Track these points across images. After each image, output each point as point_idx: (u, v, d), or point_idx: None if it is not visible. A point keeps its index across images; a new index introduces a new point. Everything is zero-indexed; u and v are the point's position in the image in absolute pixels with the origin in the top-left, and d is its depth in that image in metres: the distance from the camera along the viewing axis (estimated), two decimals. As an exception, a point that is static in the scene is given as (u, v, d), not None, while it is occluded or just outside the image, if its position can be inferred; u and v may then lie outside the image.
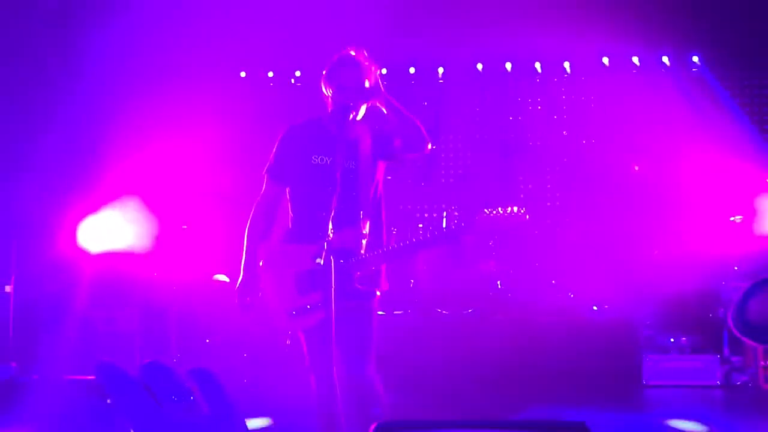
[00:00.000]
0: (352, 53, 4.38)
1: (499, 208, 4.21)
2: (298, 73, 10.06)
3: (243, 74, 10.03)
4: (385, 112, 4.40)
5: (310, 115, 4.68)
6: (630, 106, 9.74)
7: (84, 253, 7.66)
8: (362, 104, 4.34)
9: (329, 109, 4.43)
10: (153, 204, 8.14)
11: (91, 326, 7.33)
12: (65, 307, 7.21)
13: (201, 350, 7.77)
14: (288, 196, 4.48)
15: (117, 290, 7.62)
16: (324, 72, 4.46)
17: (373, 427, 1.27)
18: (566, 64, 10.03)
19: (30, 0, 7.97)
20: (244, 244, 4.42)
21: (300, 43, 9.12)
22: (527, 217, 4.21)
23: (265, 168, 4.49)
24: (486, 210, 4.20)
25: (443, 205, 9.13)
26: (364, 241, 4.31)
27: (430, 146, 4.42)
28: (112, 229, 7.78)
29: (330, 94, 4.40)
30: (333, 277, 3.91)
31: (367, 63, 4.36)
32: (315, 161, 4.36)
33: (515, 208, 4.22)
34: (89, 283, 7.47)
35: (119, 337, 7.39)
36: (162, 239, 8.03)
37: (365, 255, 4.27)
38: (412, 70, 9.97)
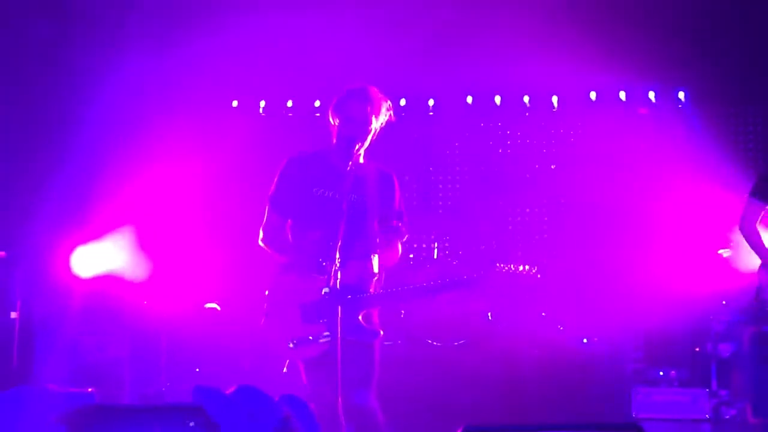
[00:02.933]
0: (364, 87, 4.43)
1: (512, 265, 4.26)
2: (290, 103, 10.10)
3: (235, 103, 10.06)
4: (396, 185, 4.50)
5: (314, 146, 4.72)
6: (617, 141, 9.85)
7: (77, 280, 7.63)
8: (368, 138, 4.39)
9: (334, 140, 4.47)
10: (146, 232, 8.14)
11: (81, 352, 7.29)
12: (57, 333, 7.18)
13: (191, 379, 7.72)
14: (290, 226, 4.50)
15: (108, 317, 7.59)
16: (333, 102, 4.51)
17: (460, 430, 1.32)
18: (554, 99, 10.13)
19: (22, 29, 7.99)
20: (278, 251, 4.44)
21: (292, 74, 9.17)
22: (539, 276, 4.26)
23: (268, 196, 4.52)
24: (498, 264, 4.24)
25: (432, 236, 9.16)
26: (374, 279, 4.33)
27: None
28: (105, 257, 7.77)
29: (337, 124, 4.44)
30: (340, 310, 3.93)
31: (377, 98, 4.40)
32: (317, 193, 4.38)
33: (527, 267, 4.27)
34: (80, 310, 7.44)
35: (109, 364, 7.34)
36: (154, 267, 8.01)
37: (374, 293, 4.29)
38: (402, 102, 10.04)
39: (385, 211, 4.48)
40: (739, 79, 9.33)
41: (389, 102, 4.47)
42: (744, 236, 5.87)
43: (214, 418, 0.93)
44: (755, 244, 5.80)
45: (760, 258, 5.77)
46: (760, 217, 5.86)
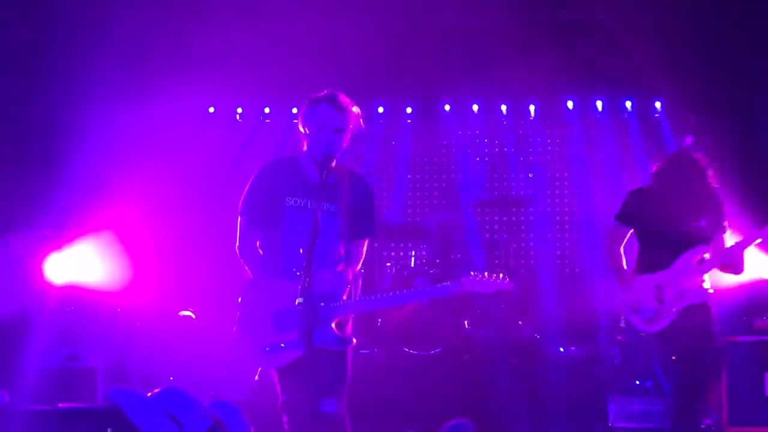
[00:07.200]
0: (333, 93, 4.35)
1: (486, 273, 4.26)
2: (267, 110, 10.09)
3: (212, 110, 10.03)
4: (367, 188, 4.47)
5: (285, 154, 4.66)
6: (594, 149, 9.89)
7: (50, 286, 7.54)
8: (344, 146, 4.33)
9: (305, 149, 4.41)
10: (121, 239, 8.07)
11: (53, 360, 7.18)
12: (28, 341, 7.08)
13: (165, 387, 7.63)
14: (264, 236, 4.44)
15: (81, 325, 7.49)
16: (302, 110, 4.43)
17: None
18: (531, 107, 10.15)
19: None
20: (251, 267, 4.38)
21: (269, 81, 9.14)
22: (510, 284, 4.28)
23: (240, 209, 4.45)
24: (472, 272, 4.24)
25: (410, 244, 9.14)
26: (347, 287, 4.30)
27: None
28: (79, 263, 7.69)
29: (307, 133, 4.37)
30: (313, 318, 3.90)
31: (347, 104, 4.34)
32: (290, 203, 4.33)
33: (501, 275, 4.28)
34: (53, 317, 7.34)
35: (81, 372, 7.24)
36: (128, 275, 7.94)
37: (347, 301, 4.26)
38: (380, 109, 10.04)
39: (358, 220, 4.44)
40: (717, 90, 9.37)
41: (357, 108, 4.40)
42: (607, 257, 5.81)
43: (133, 422, 0.89)
44: (616, 266, 5.74)
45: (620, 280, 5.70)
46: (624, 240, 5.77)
